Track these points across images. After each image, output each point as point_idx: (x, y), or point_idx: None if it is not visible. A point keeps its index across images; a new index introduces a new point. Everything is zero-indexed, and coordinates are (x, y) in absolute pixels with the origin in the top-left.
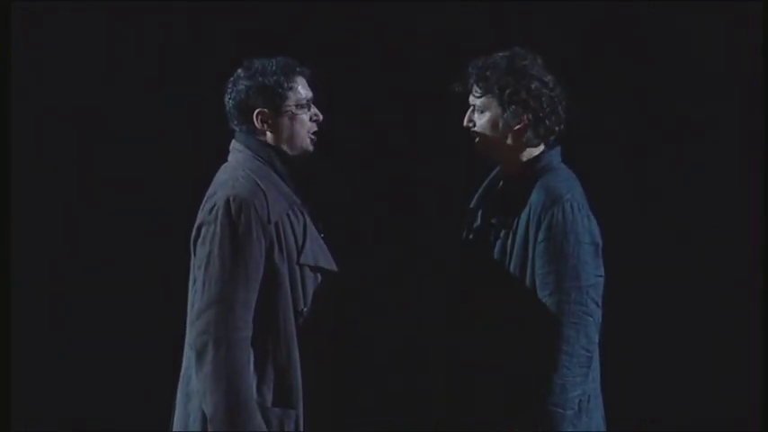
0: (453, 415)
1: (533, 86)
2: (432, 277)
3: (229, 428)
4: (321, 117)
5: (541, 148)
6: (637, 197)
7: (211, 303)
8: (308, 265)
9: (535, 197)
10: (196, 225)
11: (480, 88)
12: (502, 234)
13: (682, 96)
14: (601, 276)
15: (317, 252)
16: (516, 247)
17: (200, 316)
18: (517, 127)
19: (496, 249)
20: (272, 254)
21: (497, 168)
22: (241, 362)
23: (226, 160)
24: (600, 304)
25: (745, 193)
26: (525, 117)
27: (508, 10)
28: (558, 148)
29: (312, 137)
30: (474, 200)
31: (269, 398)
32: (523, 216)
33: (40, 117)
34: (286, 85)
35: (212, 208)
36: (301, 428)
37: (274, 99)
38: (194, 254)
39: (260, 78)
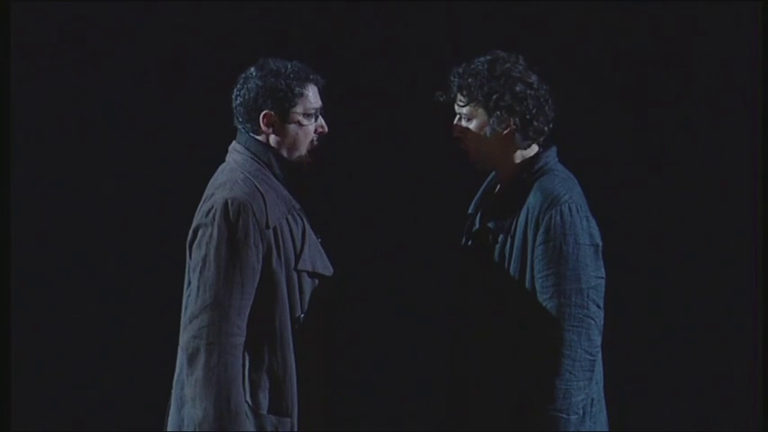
0: (454, 423)
1: (517, 89)
2: (431, 284)
3: None
4: (327, 130)
5: (535, 149)
6: (637, 197)
7: (205, 308)
8: (306, 271)
9: (533, 199)
10: (192, 227)
11: (464, 96)
12: (500, 238)
13: (682, 96)
14: (602, 278)
15: (315, 257)
16: (515, 250)
17: (193, 320)
18: (505, 132)
19: (495, 254)
20: (270, 259)
21: (494, 172)
22: (233, 368)
23: (224, 161)
24: (601, 306)
25: (746, 193)
26: (512, 121)
27: (508, 10)
28: (554, 149)
29: (312, 149)
30: (472, 205)
31: (264, 404)
32: (521, 219)
33: (40, 117)
34: (297, 91)
35: (209, 210)
36: None
37: (283, 104)
38: (190, 256)
39: (272, 80)
